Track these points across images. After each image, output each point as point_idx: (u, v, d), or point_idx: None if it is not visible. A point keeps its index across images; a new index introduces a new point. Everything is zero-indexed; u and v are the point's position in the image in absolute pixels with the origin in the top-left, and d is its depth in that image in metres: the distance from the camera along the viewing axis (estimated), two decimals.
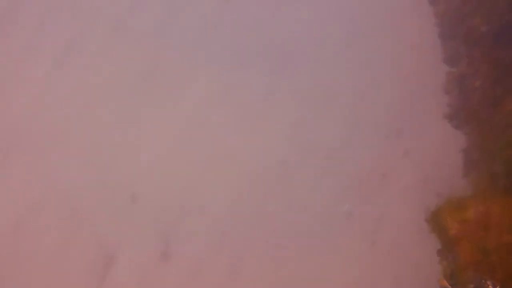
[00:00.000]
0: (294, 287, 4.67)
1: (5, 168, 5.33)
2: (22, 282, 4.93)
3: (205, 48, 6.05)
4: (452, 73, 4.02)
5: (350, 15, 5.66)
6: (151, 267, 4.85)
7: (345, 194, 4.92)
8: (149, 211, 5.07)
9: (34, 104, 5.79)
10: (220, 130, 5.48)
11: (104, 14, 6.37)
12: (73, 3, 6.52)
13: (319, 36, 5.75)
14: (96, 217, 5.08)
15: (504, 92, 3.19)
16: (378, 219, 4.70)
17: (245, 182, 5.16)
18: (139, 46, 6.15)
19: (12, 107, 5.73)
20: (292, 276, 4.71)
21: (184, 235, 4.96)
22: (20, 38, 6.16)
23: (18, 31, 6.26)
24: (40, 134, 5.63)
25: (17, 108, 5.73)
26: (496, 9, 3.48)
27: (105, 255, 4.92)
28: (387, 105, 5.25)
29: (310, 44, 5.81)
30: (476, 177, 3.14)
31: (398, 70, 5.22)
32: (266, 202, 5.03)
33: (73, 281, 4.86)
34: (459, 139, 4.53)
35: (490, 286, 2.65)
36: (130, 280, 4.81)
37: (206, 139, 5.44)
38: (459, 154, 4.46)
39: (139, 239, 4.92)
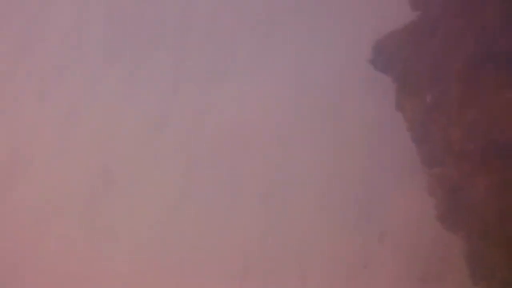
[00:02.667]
0: None
1: None
2: None
3: (154, 146, 5.83)
4: (435, 176, 4.34)
5: (314, 101, 5.80)
6: None
7: None
8: None
9: None
10: (188, 236, 5.31)
11: (48, 119, 5.92)
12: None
13: (284, 119, 5.79)
14: None
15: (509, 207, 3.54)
16: None
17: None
18: (87, 148, 5.78)
19: None
20: None
21: None
22: None
23: None
24: None
25: None
26: (478, 125, 3.87)
27: None
28: (355, 189, 5.46)
29: (272, 127, 5.81)
30: None
31: (367, 153, 5.46)
32: None
33: None
34: (433, 222, 4.88)
35: None
36: None
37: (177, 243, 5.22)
38: (435, 238, 4.80)
39: None
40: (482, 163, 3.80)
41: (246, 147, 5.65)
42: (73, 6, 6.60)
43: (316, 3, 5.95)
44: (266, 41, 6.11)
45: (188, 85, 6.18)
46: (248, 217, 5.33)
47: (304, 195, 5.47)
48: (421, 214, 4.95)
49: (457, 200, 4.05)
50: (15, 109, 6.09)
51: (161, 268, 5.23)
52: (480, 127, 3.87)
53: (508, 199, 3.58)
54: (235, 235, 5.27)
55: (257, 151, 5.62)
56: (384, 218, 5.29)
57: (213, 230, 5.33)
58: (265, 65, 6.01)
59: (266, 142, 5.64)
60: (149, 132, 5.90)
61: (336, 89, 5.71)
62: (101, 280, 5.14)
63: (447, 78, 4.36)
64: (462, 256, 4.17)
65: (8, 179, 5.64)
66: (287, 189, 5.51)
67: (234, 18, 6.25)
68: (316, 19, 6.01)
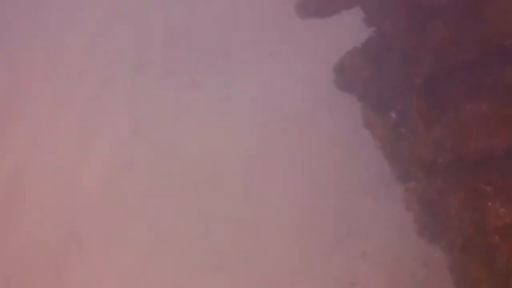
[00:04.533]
0: None
1: None
2: None
3: None
4: (410, 191, 4.39)
5: (282, 125, 5.65)
6: None
7: None
8: None
9: None
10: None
11: None
12: None
13: (253, 147, 5.62)
14: None
15: (484, 220, 3.61)
16: None
17: None
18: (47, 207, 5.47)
19: None
20: None
21: None
22: None
23: None
24: None
25: None
26: (444, 140, 3.93)
27: None
28: (334, 208, 5.39)
29: (240, 156, 5.63)
30: None
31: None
32: None
33: None
34: (412, 235, 4.89)
35: None
36: None
37: None
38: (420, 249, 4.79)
39: None
40: (453, 178, 3.86)
41: (216, 183, 5.50)
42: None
43: (271, 34, 5.90)
44: (226, 74, 6.04)
45: (147, 126, 5.97)
46: (223, 259, 5.13)
47: (281, 219, 5.41)
48: (400, 228, 5.00)
49: (434, 214, 4.11)
50: None
51: None
52: (447, 142, 3.93)
53: (481, 212, 3.65)
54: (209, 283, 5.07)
55: (227, 185, 5.49)
56: (364, 235, 5.31)
57: None
58: (228, 98, 5.94)
59: (236, 174, 5.55)
60: (112, 180, 5.62)
61: (303, 112, 5.70)
62: None
63: (409, 93, 4.42)
64: (445, 267, 4.21)
65: None
66: (263, 214, 5.43)
67: (191, 55, 6.14)
68: (273, 48, 5.97)
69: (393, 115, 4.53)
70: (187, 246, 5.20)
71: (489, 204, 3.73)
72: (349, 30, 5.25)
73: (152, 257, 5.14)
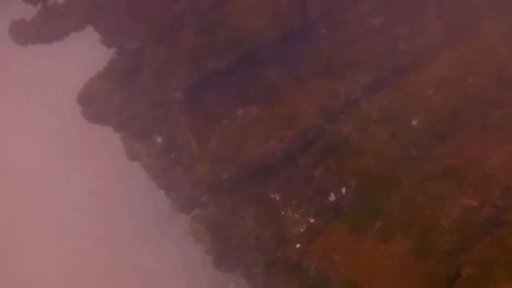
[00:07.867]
0: None
1: None
2: None
3: None
4: (196, 219, 3.83)
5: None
6: None
7: None
8: None
9: None
10: None
11: None
12: None
13: None
14: None
15: (283, 231, 3.31)
16: None
17: None
18: None
19: None
20: None
21: None
22: None
23: None
24: None
25: None
26: (221, 153, 3.50)
27: None
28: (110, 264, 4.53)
29: None
30: None
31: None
32: None
33: None
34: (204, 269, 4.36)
35: None
36: None
37: None
38: None
39: None
40: (241, 193, 3.50)
41: None
42: None
43: None
44: None
45: None
46: None
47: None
48: (191, 265, 4.43)
49: (227, 239, 3.66)
50: None
51: None
52: (227, 154, 3.53)
53: (277, 223, 3.38)
54: None
55: None
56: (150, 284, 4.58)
57: None
58: None
59: None
60: None
61: (48, 159, 4.66)
62: None
63: (172, 111, 3.91)
64: None
65: None
66: None
67: None
68: None
69: (159, 139, 3.95)
70: None
71: (282, 213, 3.48)
72: (86, 53, 4.49)
73: None
